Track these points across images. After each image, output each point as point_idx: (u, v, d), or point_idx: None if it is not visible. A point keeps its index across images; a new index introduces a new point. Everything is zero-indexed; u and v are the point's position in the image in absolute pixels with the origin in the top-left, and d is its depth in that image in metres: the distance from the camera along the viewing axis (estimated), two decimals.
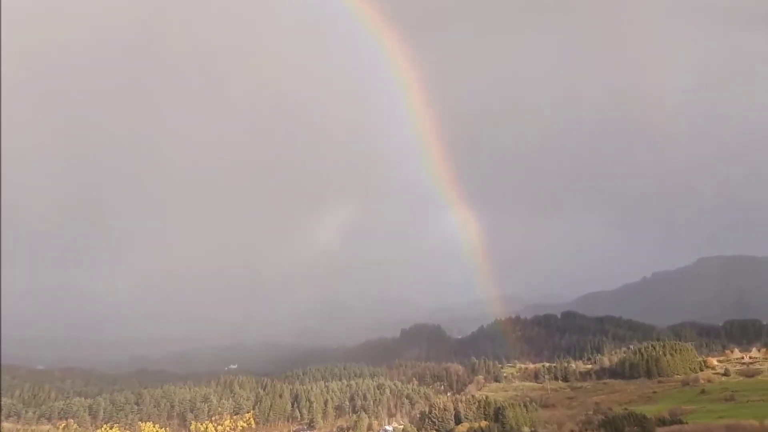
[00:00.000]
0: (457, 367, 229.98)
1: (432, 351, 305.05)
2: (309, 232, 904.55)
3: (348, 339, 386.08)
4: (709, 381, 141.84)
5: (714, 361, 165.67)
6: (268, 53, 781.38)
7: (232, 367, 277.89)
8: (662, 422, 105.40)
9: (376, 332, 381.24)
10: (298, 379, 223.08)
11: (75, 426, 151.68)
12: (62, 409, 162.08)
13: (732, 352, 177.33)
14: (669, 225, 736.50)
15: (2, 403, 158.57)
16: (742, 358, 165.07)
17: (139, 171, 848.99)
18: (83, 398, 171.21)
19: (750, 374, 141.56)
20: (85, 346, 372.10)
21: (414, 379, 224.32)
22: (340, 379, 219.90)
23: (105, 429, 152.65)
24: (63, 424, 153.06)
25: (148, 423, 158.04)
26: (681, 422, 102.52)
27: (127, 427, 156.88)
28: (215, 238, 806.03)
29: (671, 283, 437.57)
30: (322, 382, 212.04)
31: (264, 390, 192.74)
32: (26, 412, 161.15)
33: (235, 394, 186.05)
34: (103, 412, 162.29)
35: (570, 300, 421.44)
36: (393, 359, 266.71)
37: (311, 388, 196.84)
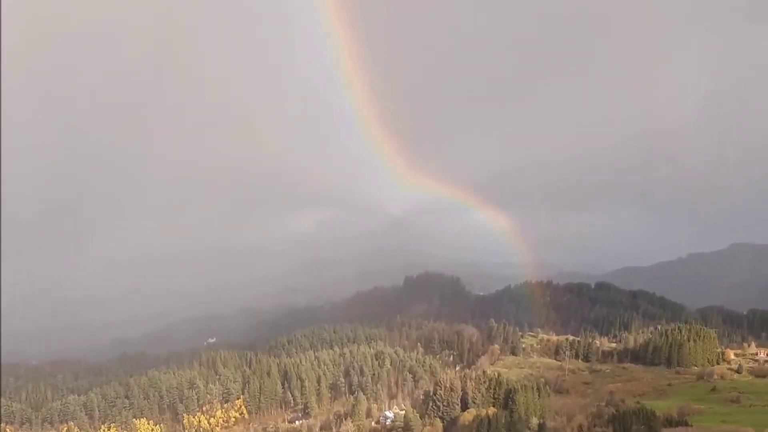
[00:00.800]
0: (471, 331, 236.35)
1: (445, 307, 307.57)
2: (286, 222, 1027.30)
3: (335, 293, 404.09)
4: (722, 377, 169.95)
5: (731, 354, 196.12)
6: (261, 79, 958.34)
7: (211, 341, 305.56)
8: (669, 422, 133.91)
9: (369, 282, 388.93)
10: (283, 349, 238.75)
11: (76, 429, 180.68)
12: (60, 410, 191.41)
13: (749, 345, 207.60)
14: (702, 212, 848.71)
15: (13, 408, 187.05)
16: (757, 353, 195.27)
17: (127, 168, 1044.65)
18: (77, 395, 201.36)
19: (761, 374, 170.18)
20: (67, 334, 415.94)
21: (419, 344, 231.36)
22: (331, 346, 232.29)
23: (103, 430, 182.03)
24: (65, 429, 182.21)
25: (142, 419, 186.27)
26: (686, 424, 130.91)
27: (122, 425, 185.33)
28: (190, 228, 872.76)
29: (705, 266, 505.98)
30: (311, 352, 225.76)
31: (250, 368, 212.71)
32: (36, 417, 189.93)
33: (220, 375, 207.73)
34: (98, 410, 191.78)
35: (606, 272, 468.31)
36: (393, 316, 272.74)
37: (300, 361, 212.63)
